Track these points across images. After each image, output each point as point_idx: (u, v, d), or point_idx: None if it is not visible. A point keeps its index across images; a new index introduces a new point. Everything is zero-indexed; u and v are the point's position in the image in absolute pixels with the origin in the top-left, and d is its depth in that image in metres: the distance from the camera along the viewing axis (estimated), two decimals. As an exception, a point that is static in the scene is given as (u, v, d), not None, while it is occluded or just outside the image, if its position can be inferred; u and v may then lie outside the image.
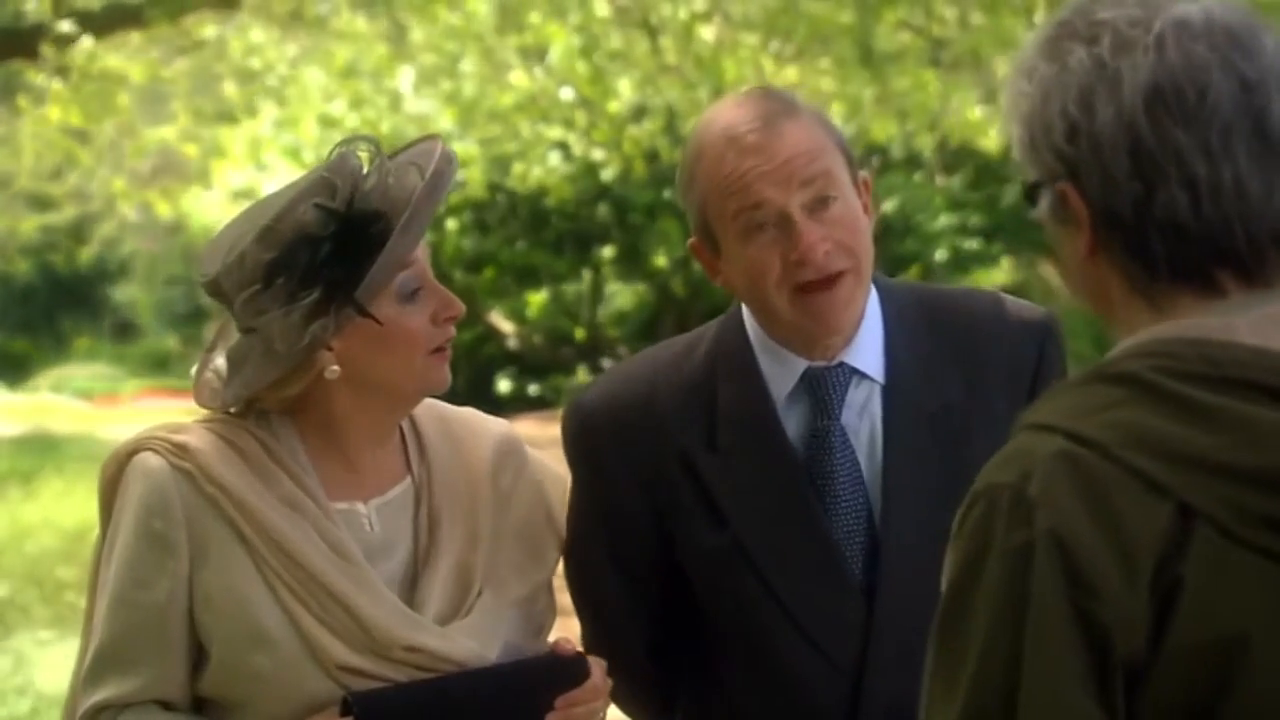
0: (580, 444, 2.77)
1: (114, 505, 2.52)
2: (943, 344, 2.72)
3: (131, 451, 2.52)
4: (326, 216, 2.43)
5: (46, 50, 13.08)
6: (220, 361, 2.55)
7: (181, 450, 2.49)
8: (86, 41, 13.90)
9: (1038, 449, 1.68)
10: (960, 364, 2.71)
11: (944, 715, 1.67)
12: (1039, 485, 1.65)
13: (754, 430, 2.68)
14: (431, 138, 2.57)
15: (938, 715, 1.67)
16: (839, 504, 2.66)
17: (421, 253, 2.51)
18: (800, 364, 2.69)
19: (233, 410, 2.56)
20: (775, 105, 2.65)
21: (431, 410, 2.67)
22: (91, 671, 2.48)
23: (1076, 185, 1.74)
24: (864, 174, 2.69)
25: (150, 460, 2.49)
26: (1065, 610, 1.62)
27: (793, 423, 2.69)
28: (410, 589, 2.55)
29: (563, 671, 2.53)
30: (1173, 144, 1.70)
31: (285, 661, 2.45)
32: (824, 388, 2.68)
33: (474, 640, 2.53)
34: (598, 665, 2.56)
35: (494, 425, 2.70)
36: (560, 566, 2.77)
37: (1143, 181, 1.71)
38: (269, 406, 2.55)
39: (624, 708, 2.89)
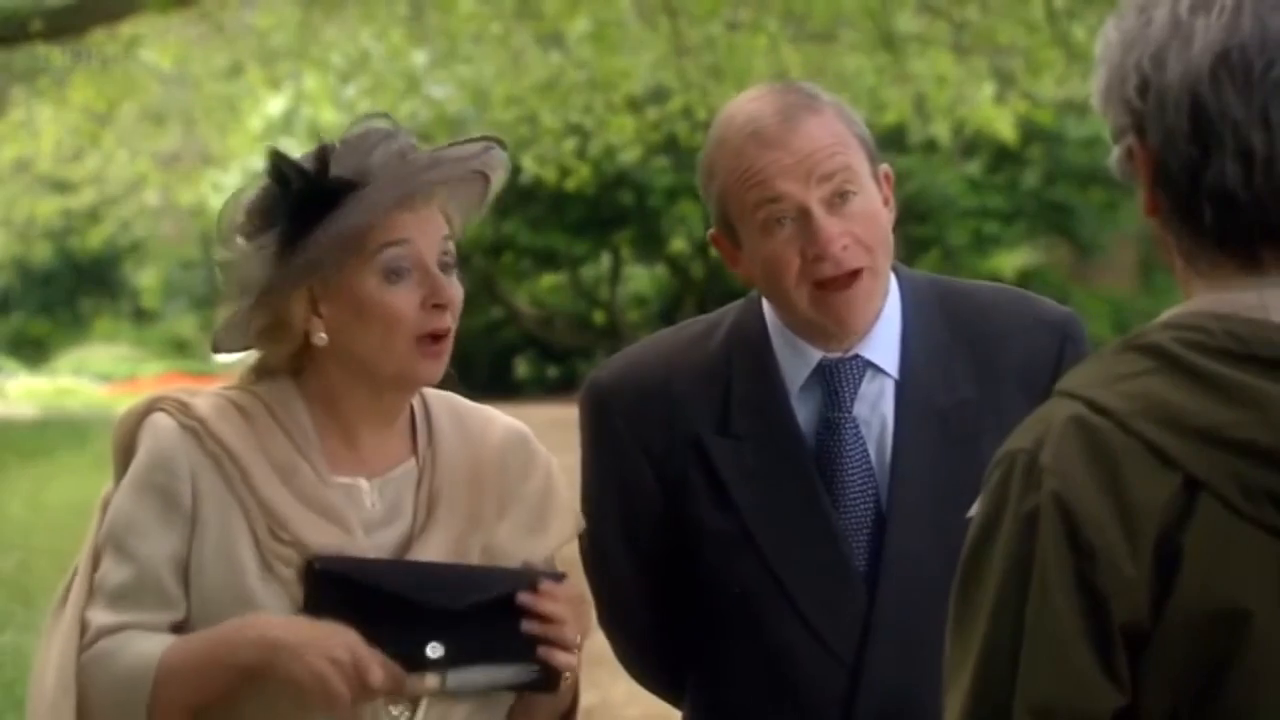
0: (595, 419, 2.79)
1: (126, 463, 2.56)
2: (958, 339, 2.72)
3: (144, 413, 2.57)
4: (297, 171, 2.51)
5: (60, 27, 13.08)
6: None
7: (187, 409, 2.55)
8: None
9: (1056, 415, 1.69)
10: (975, 360, 2.71)
11: (960, 672, 1.69)
12: (1051, 451, 1.66)
13: (767, 418, 2.69)
14: (480, 142, 2.60)
15: (955, 672, 1.69)
16: (847, 495, 2.67)
17: (425, 238, 2.52)
18: (815, 354, 2.70)
19: (249, 365, 2.62)
20: (796, 98, 2.66)
21: (446, 399, 2.69)
22: (96, 600, 2.52)
23: (1142, 141, 1.73)
24: (884, 167, 2.69)
25: (159, 419, 2.55)
26: (1067, 574, 1.64)
27: (805, 413, 2.70)
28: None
29: (531, 580, 2.55)
30: (1231, 112, 1.68)
31: None
32: (837, 379, 2.69)
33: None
34: (569, 586, 2.56)
35: (508, 420, 2.72)
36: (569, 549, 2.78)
37: (1199, 146, 1.69)
38: (272, 365, 2.59)
39: (641, 683, 2.92)
